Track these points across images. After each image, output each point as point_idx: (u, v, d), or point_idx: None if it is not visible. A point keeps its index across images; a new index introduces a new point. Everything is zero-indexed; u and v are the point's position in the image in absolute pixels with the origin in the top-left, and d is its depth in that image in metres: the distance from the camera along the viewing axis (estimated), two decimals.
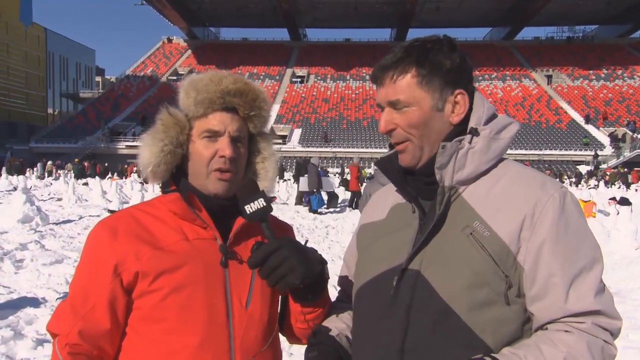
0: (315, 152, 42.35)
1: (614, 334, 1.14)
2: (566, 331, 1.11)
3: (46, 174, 36.48)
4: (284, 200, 20.02)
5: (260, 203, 1.29)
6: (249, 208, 1.29)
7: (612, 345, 1.13)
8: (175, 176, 1.40)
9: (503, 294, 1.13)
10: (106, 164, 39.93)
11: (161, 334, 1.27)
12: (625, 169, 36.72)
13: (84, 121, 54.39)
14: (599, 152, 43.78)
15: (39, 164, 38.76)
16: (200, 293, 1.29)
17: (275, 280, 1.25)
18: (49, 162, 40.00)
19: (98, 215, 14.09)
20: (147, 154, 1.35)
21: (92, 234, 1.36)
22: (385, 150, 1.50)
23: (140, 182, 22.85)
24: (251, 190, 1.32)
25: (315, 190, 16.44)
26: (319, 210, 16.69)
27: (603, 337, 1.11)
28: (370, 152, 42.39)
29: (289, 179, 29.02)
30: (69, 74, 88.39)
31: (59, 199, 18.45)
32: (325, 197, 17.61)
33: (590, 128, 48.52)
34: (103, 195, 18.39)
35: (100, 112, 55.93)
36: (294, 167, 28.36)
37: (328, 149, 45.57)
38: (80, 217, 13.66)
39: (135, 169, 38.53)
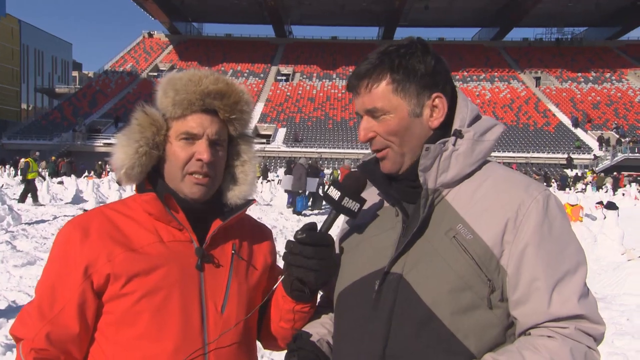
0: (300, 152, 41.38)
1: (598, 339, 1.13)
2: (549, 336, 1.10)
3: (19, 172, 35.16)
4: (268, 202, 19.78)
5: (355, 207, 1.28)
6: (347, 202, 1.27)
7: (596, 350, 1.12)
8: (151, 177, 1.35)
9: (486, 298, 1.13)
10: (72, 162, 37.82)
11: (133, 340, 1.23)
12: (615, 173, 36.18)
13: (59, 117, 52.88)
14: (575, 155, 43.36)
15: (22, 162, 37.01)
16: (175, 297, 1.25)
17: (296, 266, 1.25)
18: (22, 160, 38.39)
19: (73, 215, 13.27)
20: (121, 155, 1.30)
21: (62, 233, 1.31)
22: (369, 151, 1.41)
23: (118, 181, 21.81)
24: (359, 190, 1.30)
25: (300, 191, 16.32)
26: (303, 212, 16.47)
27: (586, 342, 1.10)
28: (356, 153, 41.45)
29: (273, 180, 28.35)
30: (44, 68, 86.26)
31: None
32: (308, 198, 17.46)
33: (578, 131, 48.18)
34: (79, 194, 18.01)
35: (77, 108, 54.42)
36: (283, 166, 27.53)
37: (313, 149, 44.58)
38: (55, 217, 13.10)
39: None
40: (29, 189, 16.52)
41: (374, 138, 1.26)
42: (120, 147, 1.31)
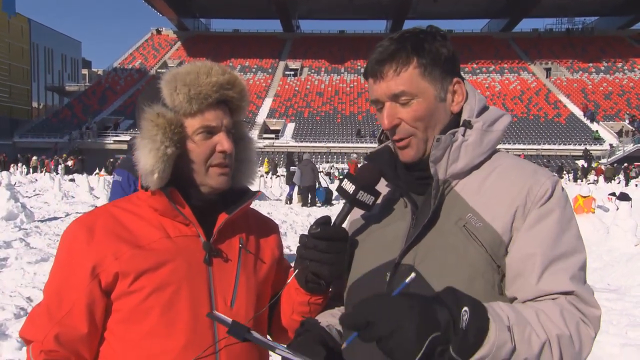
0: (309, 147, 41.47)
1: (592, 321, 1.09)
2: (538, 301, 1.10)
3: (31, 170, 35.46)
4: (277, 196, 19.91)
5: (370, 200, 1.26)
6: (361, 195, 1.25)
7: (590, 326, 1.08)
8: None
9: (497, 284, 1.14)
10: (83, 160, 37.86)
11: (142, 337, 1.22)
12: (625, 164, 35.78)
13: (70, 115, 53.31)
14: (592, 147, 42.75)
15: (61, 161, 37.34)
16: (183, 292, 1.25)
17: (310, 260, 1.23)
18: (34, 158, 38.79)
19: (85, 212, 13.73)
20: (150, 160, 1.26)
21: (67, 233, 1.30)
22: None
23: (145, 187, 22.23)
24: (374, 183, 1.28)
25: (316, 184, 16.81)
26: (314, 205, 16.97)
27: (579, 314, 1.07)
28: (365, 147, 41.36)
29: (283, 175, 28.38)
30: (54, 67, 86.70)
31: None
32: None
33: (590, 123, 47.58)
34: (90, 192, 18.14)
35: (87, 105, 54.86)
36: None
37: (322, 144, 44.49)
38: (67, 214, 13.20)
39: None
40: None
41: (398, 125, 1.23)
42: (147, 151, 1.27)
